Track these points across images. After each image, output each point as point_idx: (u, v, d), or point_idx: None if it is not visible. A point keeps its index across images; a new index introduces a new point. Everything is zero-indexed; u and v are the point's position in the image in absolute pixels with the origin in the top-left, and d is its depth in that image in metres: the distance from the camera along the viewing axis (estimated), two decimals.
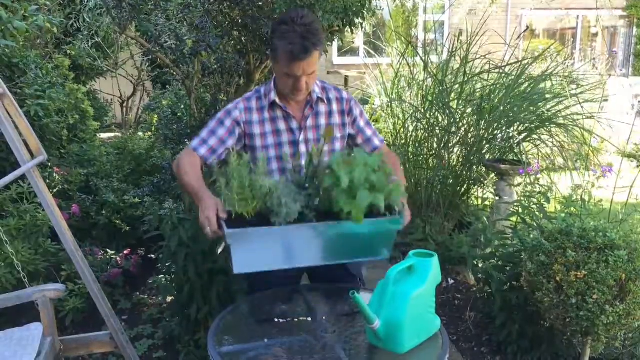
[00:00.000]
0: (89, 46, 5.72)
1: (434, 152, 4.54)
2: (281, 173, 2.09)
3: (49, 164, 3.70)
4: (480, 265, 3.12)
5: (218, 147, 2.04)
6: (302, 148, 2.09)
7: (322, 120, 2.12)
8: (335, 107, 2.14)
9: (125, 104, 7.43)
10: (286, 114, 2.08)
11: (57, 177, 3.68)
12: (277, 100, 2.05)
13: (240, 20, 2.91)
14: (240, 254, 1.71)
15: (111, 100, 7.56)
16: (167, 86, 5.47)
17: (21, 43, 3.64)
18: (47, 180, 3.55)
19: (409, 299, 1.62)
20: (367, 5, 3.56)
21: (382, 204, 1.74)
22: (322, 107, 2.12)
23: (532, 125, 4.14)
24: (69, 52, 5.60)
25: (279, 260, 1.78)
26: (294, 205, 1.70)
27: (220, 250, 2.55)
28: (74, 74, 5.10)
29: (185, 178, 1.93)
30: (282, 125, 2.08)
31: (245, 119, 2.06)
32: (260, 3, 2.78)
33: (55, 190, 3.57)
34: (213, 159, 2.03)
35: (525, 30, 10.90)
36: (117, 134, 5.78)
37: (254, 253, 1.73)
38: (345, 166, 1.73)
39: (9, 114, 2.38)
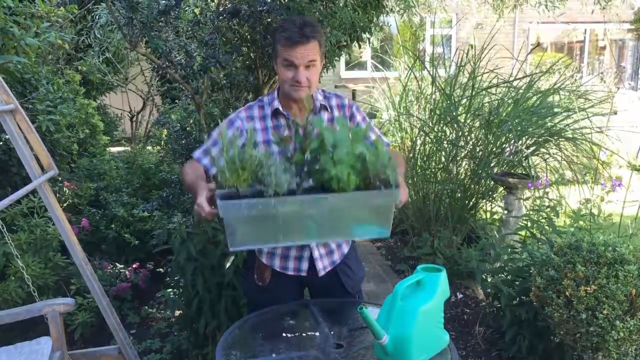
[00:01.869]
0: (99, 62, 5.79)
1: (442, 165, 4.54)
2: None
3: (59, 178, 3.74)
4: (489, 280, 3.10)
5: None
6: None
7: None
8: (337, 113, 2.13)
9: (134, 119, 7.48)
10: (290, 121, 2.06)
11: (67, 191, 3.71)
12: (281, 108, 2.05)
13: (249, 37, 2.94)
14: (234, 230, 1.66)
15: (121, 114, 7.63)
16: (177, 101, 5.52)
17: (33, 59, 3.69)
18: (57, 195, 3.59)
19: (418, 314, 1.61)
20: (374, 21, 3.59)
21: (367, 154, 1.67)
22: (325, 115, 2.12)
23: (541, 139, 4.14)
24: (79, 67, 5.67)
25: (273, 236, 1.72)
26: (283, 175, 1.66)
27: (228, 264, 2.56)
28: (85, 89, 5.16)
29: (186, 178, 1.95)
30: (285, 133, 2.07)
31: (247, 128, 2.04)
32: (268, 20, 2.81)
33: (65, 205, 3.60)
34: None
35: (535, 46, 10.92)
36: (126, 148, 5.82)
37: (247, 228, 1.68)
38: (329, 128, 1.71)
39: (20, 129, 2.42)
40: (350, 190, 1.67)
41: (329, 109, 2.12)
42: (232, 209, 1.62)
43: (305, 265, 2.11)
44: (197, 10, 3.16)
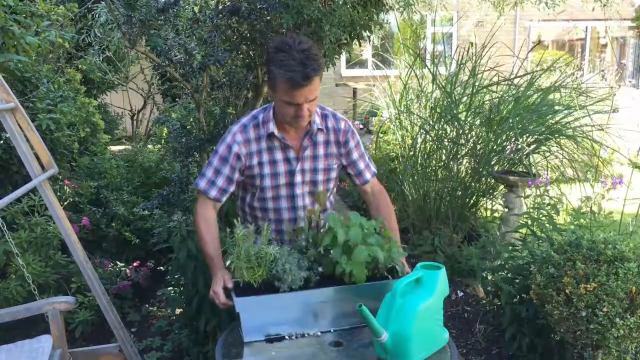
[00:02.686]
0: (100, 60, 5.79)
1: (442, 163, 4.54)
2: (275, 201, 2.09)
3: (60, 177, 3.74)
4: (489, 278, 3.10)
5: (227, 186, 2.05)
6: (298, 178, 2.08)
7: (320, 151, 2.10)
8: (332, 137, 2.11)
9: (135, 117, 7.49)
10: (284, 144, 2.04)
11: (68, 189, 3.72)
12: (276, 132, 2.01)
13: (248, 35, 2.93)
14: (249, 321, 1.76)
15: (122, 113, 7.62)
16: (177, 99, 5.52)
17: (33, 58, 3.69)
18: (58, 193, 3.59)
19: (417, 311, 1.61)
20: (374, 19, 3.58)
21: (381, 256, 1.79)
22: (321, 137, 2.09)
23: (541, 137, 4.14)
24: (80, 66, 5.67)
25: (288, 326, 1.80)
26: (298, 272, 1.78)
27: (228, 262, 2.55)
28: (85, 87, 5.16)
29: (205, 248, 2.02)
30: (279, 155, 2.06)
31: (245, 152, 2.03)
32: (268, 17, 2.81)
33: (65, 203, 3.61)
34: (224, 198, 2.07)
35: (537, 44, 10.90)
36: (127, 146, 5.82)
37: (262, 320, 1.77)
38: (342, 225, 1.82)
39: (20, 127, 2.42)
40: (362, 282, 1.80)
41: (324, 131, 2.09)
42: (248, 306, 1.74)
43: None
44: (196, 9, 3.16)
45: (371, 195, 2.24)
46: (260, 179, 2.06)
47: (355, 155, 2.17)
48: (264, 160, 2.05)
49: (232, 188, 2.07)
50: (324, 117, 2.10)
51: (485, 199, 4.52)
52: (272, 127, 2.01)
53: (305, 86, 1.83)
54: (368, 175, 2.22)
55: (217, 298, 1.86)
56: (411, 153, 4.70)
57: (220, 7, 2.96)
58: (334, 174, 2.16)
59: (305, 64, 1.80)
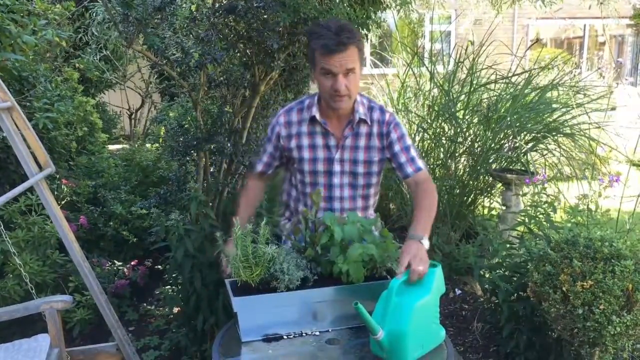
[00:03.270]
0: (97, 59, 5.78)
1: (440, 162, 4.54)
2: (312, 187, 2.12)
3: (57, 176, 3.74)
4: (487, 276, 3.10)
5: (271, 161, 2.21)
6: (337, 167, 2.09)
7: (362, 142, 2.09)
8: (375, 129, 2.09)
9: (133, 116, 7.48)
10: (325, 130, 2.07)
11: (65, 189, 3.71)
12: (317, 116, 2.04)
13: (245, 33, 2.92)
14: (246, 321, 1.76)
15: (119, 112, 7.62)
16: (175, 98, 5.52)
17: (30, 57, 3.69)
18: (55, 192, 3.59)
19: (413, 309, 1.61)
20: (372, 17, 3.58)
21: (375, 253, 1.80)
22: (364, 128, 2.08)
23: (539, 135, 4.14)
24: (77, 65, 5.66)
25: (285, 326, 1.81)
26: (296, 271, 1.78)
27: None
28: (83, 86, 5.15)
29: (237, 211, 2.16)
30: (319, 140, 2.08)
31: (285, 133, 2.10)
32: (265, 16, 2.80)
33: (63, 202, 3.60)
34: (271, 170, 2.23)
35: (535, 42, 10.90)
36: (125, 145, 5.82)
37: (260, 319, 1.78)
38: (339, 223, 1.84)
39: (17, 127, 2.42)
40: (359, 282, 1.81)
41: (369, 123, 2.08)
42: (245, 306, 1.74)
43: None
44: (193, 7, 3.15)
45: (414, 187, 2.11)
46: (299, 162, 2.10)
47: (397, 147, 2.10)
48: (303, 143, 2.08)
49: (277, 162, 2.21)
50: (370, 109, 2.09)
51: (483, 197, 4.52)
52: (314, 111, 2.05)
53: (339, 52, 1.86)
54: (410, 169, 2.10)
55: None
56: None
57: (217, 5, 2.96)
58: (375, 168, 2.13)
59: (339, 33, 1.86)
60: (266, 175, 2.24)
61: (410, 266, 1.70)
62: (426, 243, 1.85)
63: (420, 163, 2.12)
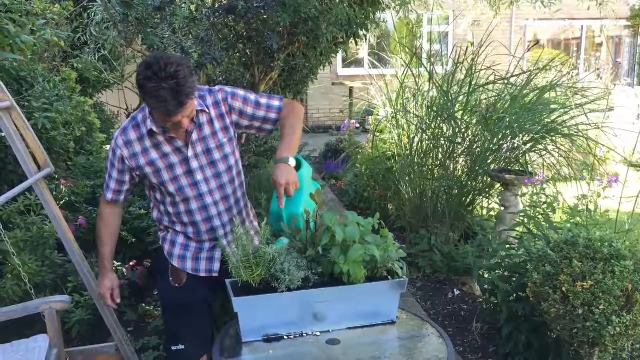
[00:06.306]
0: (95, 59, 5.76)
1: (439, 162, 4.54)
2: (180, 193, 2.05)
3: (56, 176, 3.72)
4: (486, 276, 3.11)
5: (120, 187, 2.13)
6: (194, 164, 2.03)
7: (207, 130, 2.04)
8: (214, 113, 2.05)
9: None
10: (168, 137, 2.01)
11: (64, 189, 3.70)
12: (154, 128, 1.97)
13: (245, 34, 2.93)
14: (247, 321, 1.76)
15: (118, 112, 7.60)
16: None
17: (29, 57, 3.68)
18: (54, 192, 3.57)
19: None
20: (370, 17, 3.59)
21: (377, 254, 1.80)
22: (204, 117, 2.04)
23: (538, 136, 4.15)
24: (76, 65, 5.64)
25: (286, 326, 1.81)
26: (297, 272, 1.78)
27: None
28: (81, 86, 5.14)
29: (100, 249, 2.21)
30: (167, 148, 2.02)
31: (128, 154, 2.02)
32: (264, 17, 2.80)
33: (62, 202, 3.59)
34: (122, 197, 2.17)
35: (535, 44, 10.92)
36: None
37: (260, 319, 1.78)
38: (339, 224, 1.85)
39: (16, 127, 2.41)
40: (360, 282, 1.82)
41: (206, 110, 2.04)
42: (246, 306, 1.75)
43: (216, 266, 2.13)
44: (192, 7, 3.15)
45: (282, 121, 2.11)
46: (157, 175, 2.03)
47: (249, 109, 2.08)
48: (153, 157, 2.02)
49: (125, 187, 2.14)
50: (202, 98, 2.04)
51: (481, 197, 4.52)
52: (150, 124, 1.97)
53: (180, 112, 1.83)
54: (274, 115, 2.11)
55: (105, 300, 2.20)
56: (408, 152, 4.71)
57: (216, 5, 2.96)
58: (228, 149, 2.08)
59: (177, 93, 1.77)
60: (120, 202, 2.18)
61: (287, 193, 1.86)
62: (292, 162, 1.94)
63: (276, 101, 2.12)
